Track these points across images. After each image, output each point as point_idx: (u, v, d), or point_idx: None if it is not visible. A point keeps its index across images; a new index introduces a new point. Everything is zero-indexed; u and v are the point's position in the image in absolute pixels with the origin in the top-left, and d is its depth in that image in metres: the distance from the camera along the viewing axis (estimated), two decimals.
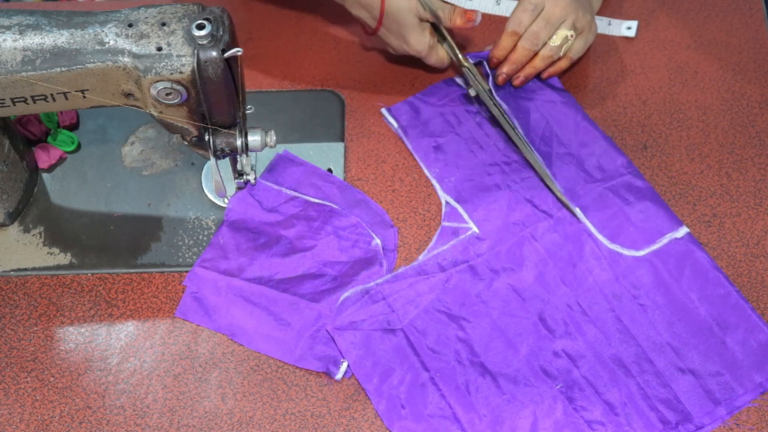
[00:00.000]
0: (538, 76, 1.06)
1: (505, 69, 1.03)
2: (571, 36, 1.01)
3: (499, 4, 1.15)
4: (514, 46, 1.03)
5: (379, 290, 0.93)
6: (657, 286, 0.94)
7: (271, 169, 1.01)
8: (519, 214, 0.98)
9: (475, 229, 0.98)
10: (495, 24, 1.14)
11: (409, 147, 1.04)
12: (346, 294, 0.93)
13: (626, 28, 1.13)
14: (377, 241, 0.97)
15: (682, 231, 0.97)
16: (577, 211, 0.98)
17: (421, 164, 1.03)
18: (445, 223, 0.98)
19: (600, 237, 0.96)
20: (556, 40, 1.01)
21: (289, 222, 0.98)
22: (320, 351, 0.91)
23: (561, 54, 1.03)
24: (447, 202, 1.00)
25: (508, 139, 1.03)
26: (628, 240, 0.97)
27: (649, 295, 0.93)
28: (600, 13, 1.14)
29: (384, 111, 1.07)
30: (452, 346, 0.91)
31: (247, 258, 0.96)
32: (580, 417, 0.88)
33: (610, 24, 1.13)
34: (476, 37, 1.13)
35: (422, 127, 1.05)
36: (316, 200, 0.99)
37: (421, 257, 0.96)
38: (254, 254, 0.96)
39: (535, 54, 1.03)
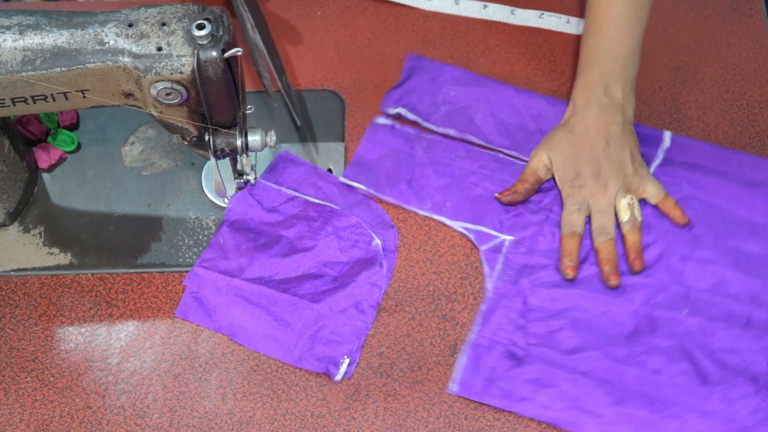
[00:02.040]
0: None
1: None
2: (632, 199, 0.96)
3: (458, 4, 1.15)
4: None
5: (489, 337, 0.92)
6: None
7: (271, 169, 1.01)
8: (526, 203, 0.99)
9: (508, 237, 0.97)
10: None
11: (390, 201, 1.00)
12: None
13: None
14: (377, 241, 0.97)
15: (667, 137, 1.02)
16: None
17: (412, 209, 0.99)
18: (483, 247, 0.97)
19: None
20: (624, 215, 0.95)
21: (289, 222, 0.98)
22: (320, 352, 0.91)
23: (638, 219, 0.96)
24: (465, 228, 0.98)
25: (464, 143, 1.02)
26: None
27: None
28: None
29: (343, 179, 1.01)
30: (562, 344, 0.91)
31: (247, 258, 0.96)
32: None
33: None
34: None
35: (384, 177, 1.01)
36: (317, 200, 0.99)
37: (489, 286, 0.95)
38: (254, 254, 0.96)
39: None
